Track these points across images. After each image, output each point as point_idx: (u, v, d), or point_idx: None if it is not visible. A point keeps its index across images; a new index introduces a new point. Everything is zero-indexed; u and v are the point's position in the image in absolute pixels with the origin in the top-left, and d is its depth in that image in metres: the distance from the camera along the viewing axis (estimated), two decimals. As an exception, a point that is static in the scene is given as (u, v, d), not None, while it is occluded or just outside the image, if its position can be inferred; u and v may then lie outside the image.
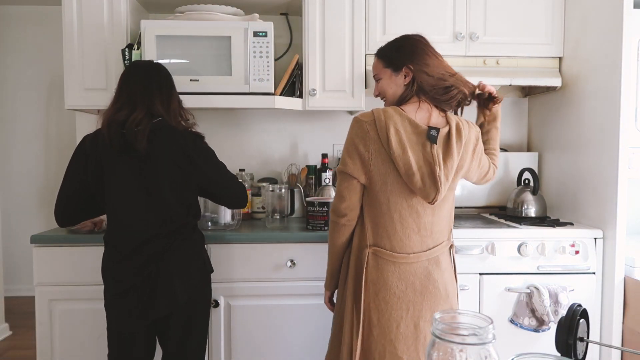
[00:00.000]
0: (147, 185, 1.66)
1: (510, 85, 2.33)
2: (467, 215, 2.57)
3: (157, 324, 1.75)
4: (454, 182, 1.58)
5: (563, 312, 2.00)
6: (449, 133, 1.52)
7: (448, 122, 1.55)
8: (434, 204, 1.50)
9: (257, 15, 2.30)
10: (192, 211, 1.76)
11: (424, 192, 1.48)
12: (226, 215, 2.20)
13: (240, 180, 1.87)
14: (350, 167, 1.53)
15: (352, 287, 1.59)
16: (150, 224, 1.67)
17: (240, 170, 2.60)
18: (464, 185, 2.66)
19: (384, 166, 1.50)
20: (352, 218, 1.59)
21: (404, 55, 1.59)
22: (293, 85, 2.44)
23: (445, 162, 1.49)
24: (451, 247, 1.65)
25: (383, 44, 2.44)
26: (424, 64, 1.57)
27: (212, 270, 1.85)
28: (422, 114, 1.55)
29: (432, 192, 1.47)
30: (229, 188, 1.82)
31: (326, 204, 2.12)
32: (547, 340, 2.11)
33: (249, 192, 2.46)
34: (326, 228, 2.12)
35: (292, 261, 2.08)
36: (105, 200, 1.72)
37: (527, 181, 2.49)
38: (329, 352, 1.69)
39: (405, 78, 1.59)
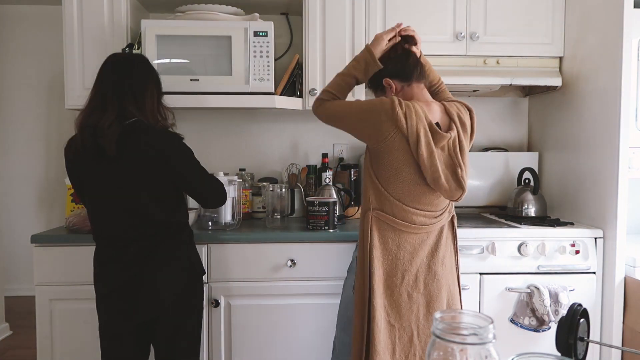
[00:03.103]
0: (122, 187, 1.63)
1: (511, 85, 2.33)
2: (467, 215, 2.57)
3: (147, 326, 1.73)
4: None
5: (563, 311, 2.00)
6: (457, 130, 1.58)
7: (449, 116, 1.61)
8: (459, 201, 1.58)
9: (257, 15, 2.30)
10: (175, 211, 1.73)
11: (449, 193, 1.55)
12: (226, 214, 2.20)
13: (218, 179, 1.85)
14: (391, 121, 1.52)
15: (368, 260, 1.62)
16: (130, 226, 1.65)
17: (241, 169, 2.60)
18: (464, 185, 2.66)
19: (398, 155, 1.54)
20: None
21: (375, 74, 1.69)
22: (293, 85, 2.44)
23: (464, 162, 1.57)
24: (453, 217, 1.71)
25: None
26: (392, 66, 1.66)
27: (203, 272, 1.80)
28: (430, 109, 1.61)
29: (458, 193, 1.55)
30: (205, 187, 1.78)
31: (326, 203, 2.12)
32: (547, 340, 2.11)
33: (249, 192, 2.46)
34: (326, 227, 2.12)
35: (292, 261, 2.08)
36: (86, 205, 1.73)
37: (527, 181, 2.49)
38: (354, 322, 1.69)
39: (391, 89, 1.66)
